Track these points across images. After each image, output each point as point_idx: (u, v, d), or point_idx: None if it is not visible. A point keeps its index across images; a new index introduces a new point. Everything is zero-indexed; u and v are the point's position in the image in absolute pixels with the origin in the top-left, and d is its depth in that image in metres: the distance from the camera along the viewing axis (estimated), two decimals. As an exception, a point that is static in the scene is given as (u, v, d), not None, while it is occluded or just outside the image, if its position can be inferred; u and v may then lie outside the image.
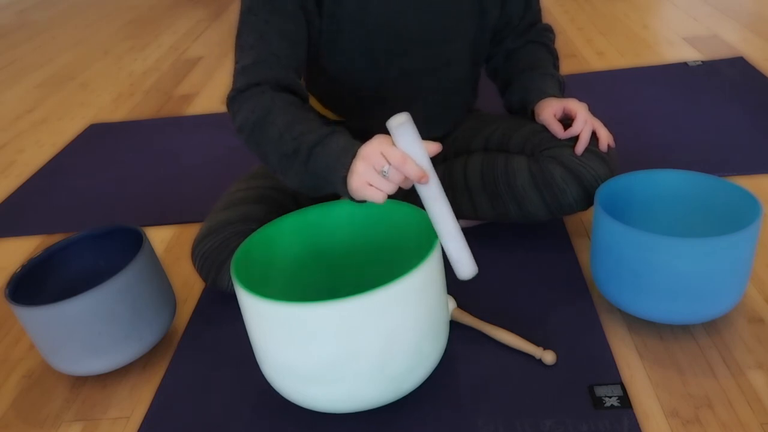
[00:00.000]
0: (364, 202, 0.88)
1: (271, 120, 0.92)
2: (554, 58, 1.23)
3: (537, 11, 1.24)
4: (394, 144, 0.81)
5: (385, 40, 1.08)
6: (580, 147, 1.06)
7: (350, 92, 1.16)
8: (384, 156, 0.81)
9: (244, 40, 1.00)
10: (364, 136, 1.26)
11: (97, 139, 2.01)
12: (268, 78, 0.96)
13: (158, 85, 2.44)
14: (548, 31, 1.25)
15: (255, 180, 1.18)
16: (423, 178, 0.80)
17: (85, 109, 2.29)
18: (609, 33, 2.34)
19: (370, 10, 1.04)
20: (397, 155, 0.80)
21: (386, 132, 1.29)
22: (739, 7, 2.43)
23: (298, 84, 1.00)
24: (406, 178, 0.81)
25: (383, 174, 0.81)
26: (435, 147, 0.83)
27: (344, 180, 0.85)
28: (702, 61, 1.96)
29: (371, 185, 0.82)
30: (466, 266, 0.85)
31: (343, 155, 0.86)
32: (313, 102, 1.26)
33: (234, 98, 0.98)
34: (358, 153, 0.84)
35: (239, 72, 0.99)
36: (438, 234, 0.84)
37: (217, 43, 2.89)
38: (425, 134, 1.22)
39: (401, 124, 0.80)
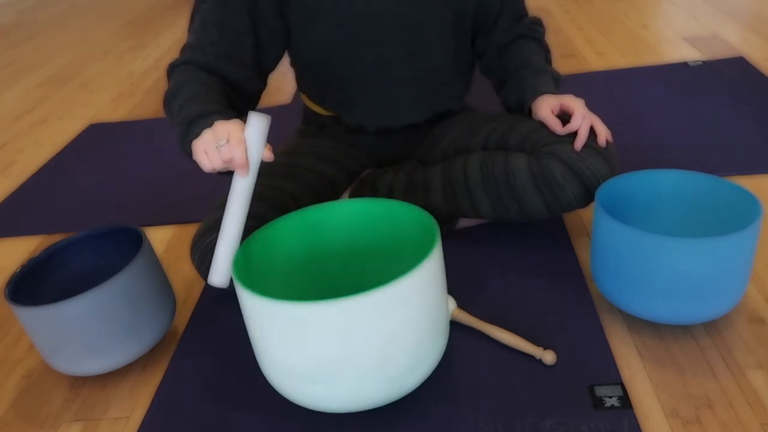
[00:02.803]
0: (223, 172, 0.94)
1: (180, 94, 1.02)
2: (546, 51, 1.23)
3: (518, 4, 1.24)
4: (242, 129, 0.88)
5: (359, 25, 1.10)
6: (579, 142, 1.06)
7: (332, 83, 1.18)
8: (228, 133, 0.87)
9: (193, 24, 1.11)
10: (357, 132, 1.27)
11: (97, 139, 2.01)
12: (200, 61, 1.06)
13: (158, 85, 2.44)
14: (537, 24, 1.25)
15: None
16: (243, 168, 0.86)
17: (85, 109, 2.29)
18: (609, 33, 2.34)
19: None
20: (237, 136, 0.86)
21: (377, 126, 1.31)
22: (740, 6, 2.43)
23: (229, 70, 1.08)
24: (230, 161, 0.87)
25: (218, 146, 0.87)
26: (268, 154, 0.89)
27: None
28: (702, 61, 1.96)
29: (206, 153, 0.88)
30: (218, 273, 0.88)
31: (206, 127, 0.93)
32: (307, 101, 1.28)
33: (170, 71, 1.09)
34: (213, 124, 0.90)
35: (182, 49, 1.10)
36: (221, 229, 0.89)
37: (217, 43, 2.89)
38: (409, 121, 1.24)
39: (259, 119, 0.87)
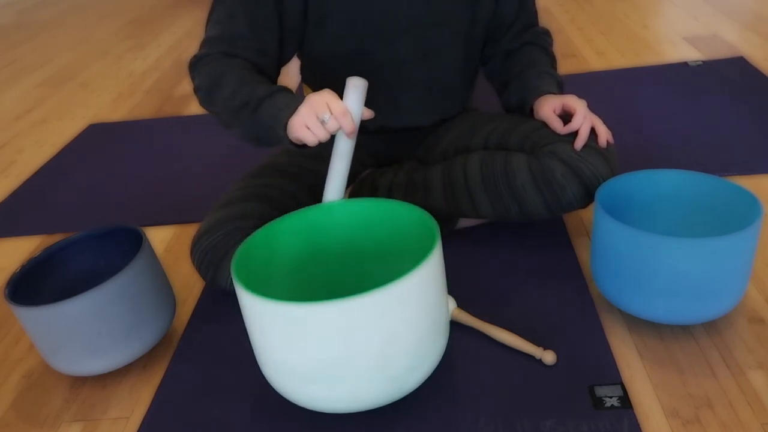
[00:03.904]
0: (301, 146, 0.99)
1: (226, 81, 1.02)
2: (552, 59, 1.24)
3: (532, 13, 1.25)
4: (338, 99, 0.92)
5: (374, 25, 1.11)
6: (579, 142, 1.06)
7: (341, 79, 1.17)
8: (328, 106, 0.91)
9: (215, 16, 1.09)
10: (359, 132, 1.27)
11: (96, 139, 2.01)
12: (227, 53, 1.06)
13: (158, 84, 2.44)
14: (545, 34, 1.26)
15: (255, 179, 1.18)
16: (352, 134, 0.93)
17: (85, 109, 2.29)
18: (609, 33, 2.34)
19: None
20: (340, 107, 0.91)
21: (385, 130, 1.31)
22: (740, 6, 2.42)
23: (259, 63, 1.08)
24: (338, 129, 0.92)
25: (322, 121, 0.91)
26: (369, 113, 0.96)
27: (285, 125, 0.95)
28: (702, 61, 1.95)
29: (308, 128, 0.92)
30: None
31: (286, 107, 0.96)
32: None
33: (194, 63, 1.08)
34: (305, 99, 0.94)
35: (204, 42, 1.09)
36: (327, 183, 0.98)
37: (217, 43, 2.89)
38: (412, 122, 1.25)
39: (357, 85, 0.93)
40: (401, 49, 1.14)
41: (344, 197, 0.99)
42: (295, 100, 0.97)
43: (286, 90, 1.00)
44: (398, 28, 1.12)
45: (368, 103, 1.21)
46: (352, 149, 0.96)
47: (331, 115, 0.91)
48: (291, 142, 0.97)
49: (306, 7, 1.10)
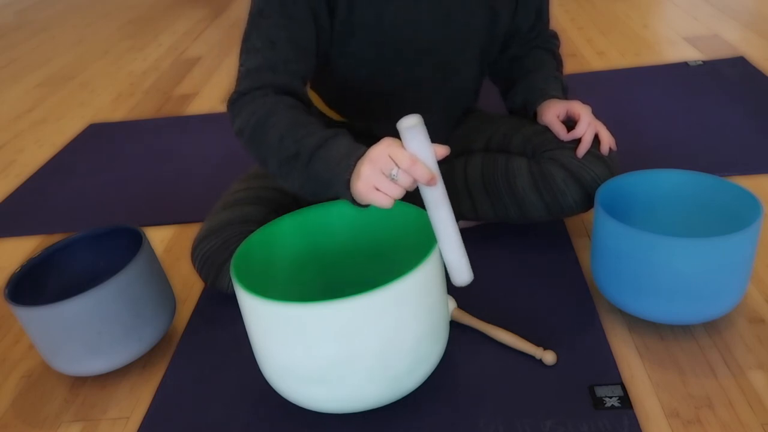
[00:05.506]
0: (367, 206, 0.84)
1: (272, 123, 0.91)
2: (558, 63, 1.23)
3: (546, 22, 1.24)
4: (401, 146, 0.78)
5: (397, 48, 1.07)
6: (582, 149, 1.06)
7: (357, 96, 1.15)
8: (392, 159, 0.77)
9: (253, 43, 0.98)
10: (367, 137, 1.26)
11: (96, 139, 2.01)
12: (273, 83, 0.96)
13: (158, 84, 2.44)
14: (554, 38, 1.26)
15: (255, 180, 1.18)
16: (431, 181, 0.78)
17: (84, 108, 2.29)
18: (609, 32, 2.34)
19: (384, 18, 1.03)
20: (406, 158, 0.76)
21: (391, 133, 1.29)
22: (740, 6, 2.42)
23: (303, 91, 0.99)
24: (415, 181, 0.78)
25: (392, 178, 0.78)
26: (443, 150, 0.80)
27: (347, 184, 0.82)
28: (702, 61, 1.95)
29: (378, 189, 0.79)
30: (463, 273, 0.85)
31: (345, 159, 0.83)
32: (318, 102, 1.26)
33: (235, 101, 0.97)
34: (365, 156, 0.81)
35: (244, 75, 0.97)
36: (438, 239, 0.83)
37: (216, 43, 2.89)
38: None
39: (413, 127, 0.77)
40: (421, 70, 1.11)
41: (462, 251, 0.84)
42: (352, 149, 0.84)
43: (339, 136, 0.87)
44: (419, 50, 1.09)
45: (386, 122, 1.18)
46: (445, 193, 0.81)
47: (399, 169, 0.77)
48: (355, 201, 0.84)
49: (332, 28, 1.04)
